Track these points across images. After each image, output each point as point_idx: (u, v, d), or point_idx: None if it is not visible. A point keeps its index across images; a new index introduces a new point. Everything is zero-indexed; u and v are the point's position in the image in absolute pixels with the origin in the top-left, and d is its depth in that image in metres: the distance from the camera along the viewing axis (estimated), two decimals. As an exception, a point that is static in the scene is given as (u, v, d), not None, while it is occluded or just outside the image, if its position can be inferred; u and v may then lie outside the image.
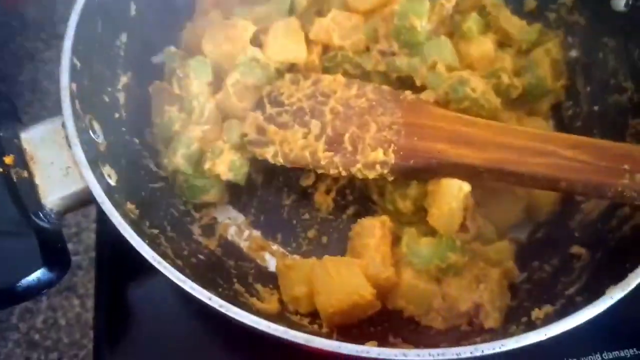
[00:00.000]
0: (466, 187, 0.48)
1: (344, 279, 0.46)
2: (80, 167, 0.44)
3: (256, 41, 0.59)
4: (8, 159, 0.45)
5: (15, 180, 0.45)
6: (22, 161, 0.46)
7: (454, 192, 0.48)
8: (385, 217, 0.51)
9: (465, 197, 0.48)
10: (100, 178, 0.45)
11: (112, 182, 0.47)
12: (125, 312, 0.57)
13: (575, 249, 0.51)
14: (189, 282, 0.39)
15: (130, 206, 0.48)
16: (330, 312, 0.45)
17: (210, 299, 0.38)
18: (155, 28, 0.61)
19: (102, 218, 0.60)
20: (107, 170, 0.47)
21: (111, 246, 0.59)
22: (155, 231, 0.49)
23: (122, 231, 0.42)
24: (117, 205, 0.44)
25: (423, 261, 0.48)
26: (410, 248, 0.49)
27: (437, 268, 0.48)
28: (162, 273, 0.41)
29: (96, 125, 0.50)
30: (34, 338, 0.66)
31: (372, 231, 0.50)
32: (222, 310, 0.38)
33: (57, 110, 0.80)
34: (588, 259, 0.49)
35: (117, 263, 0.58)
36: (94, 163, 0.45)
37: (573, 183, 0.45)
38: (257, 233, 0.57)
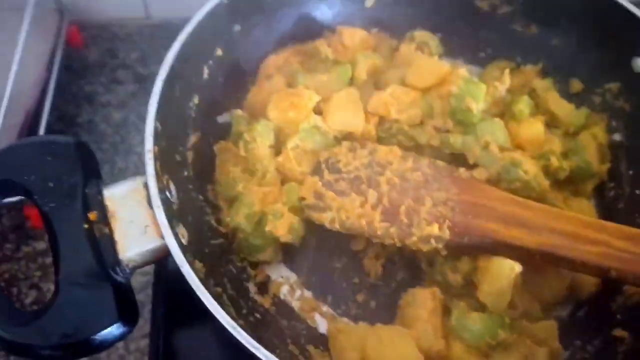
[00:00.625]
0: (517, 267, 0.50)
1: (398, 349, 0.48)
2: (161, 228, 0.47)
3: (316, 108, 0.62)
4: (92, 216, 0.48)
5: (97, 236, 0.48)
6: (104, 218, 0.49)
7: (505, 271, 0.50)
8: (436, 289, 0.53)
9: (516, 277, 0.50)
10: (176, 238, 0.48)
11: (185, 242, 0.50)
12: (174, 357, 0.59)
13: (618, 332, 0.52)
14: (262, 349, 0.41)
15: (198, 265, 0.50)
16: None
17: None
18: (222, 90, 0.65)
19: (159, 274, 0.64)
20: (180, 230, 0.50)
21: (165, 297, 0.62)
22: (219, 289, 0.51)
23: (199, 293, 0.44)
24: (191, 265, 0.47)
25: (473, 336, 0.50)
26: (460, 322, 0.51)
27: (486, 344, 0.49)
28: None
29: (172, 186, 0.53)
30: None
31: (424, 302, 0.52)
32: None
33: (112, 153, 0.85)
34: (631, 343, 0.51)
35: (170, 313, 0.61)
36: (171, 223, 0.48)
37: (624, 273, 0.47)
38: (308, 294, 0.59)
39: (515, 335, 0.50)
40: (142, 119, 0.89)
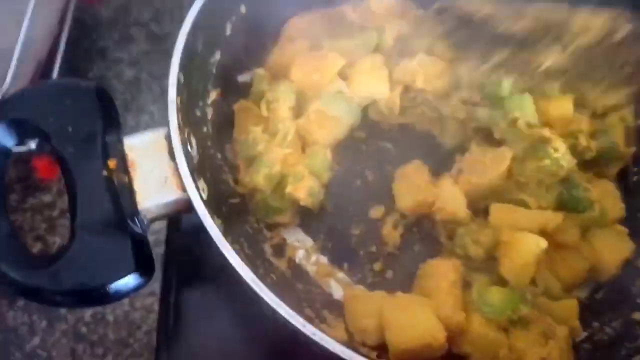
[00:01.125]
0: (543, 243, 0.49)
1: (418, 318, 0.48)
2: (183, 179, 0.46)
3: (341, 74, 0.61)
4: (112, 163, 0.47)
5: (116, 184, 0.47)
6: (124, 166, 0.47)
7: (530, 247, 0.49)
8: (457, 261, 0.52)
9: (541, 252, 0.50)
10: (197, 190, 0.46)
11: (204, 196, 0.49)
12: (183, 317, 0.59)
13: (637, 315, 0.52)
14: (284, 306, 0.40)
15: (217, 221, 0.49)
16: (402, 349, 0.47)
17: (304, 326, 0.40)
18: (244, 48, 0.63)
19: (172, 230, 0.63)
20: (201, 184, 0.49)
21: (177, 256, 0.60)
22: (237, 247, 0.50)
23: (220, 248, 0.43)
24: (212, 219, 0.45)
25: (494, 310, 0.49)
26: (482, 296, 0.50)
27: (507, 319, 0.49)
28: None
29: (192, 140, 0.52)
30: (81, 331, 0.67)
31: (445, 273, 0.51)
32: (315, 338, 0.39)
33: (123, 110, 0.83)
34: (652, 328, 0.50)
35: (181, 271, 0.60)
36: (192, 176, 0.47)
37: None
38: (324, 259, 0.58)
39: (536, 312, 0.49)
40: (155, 77, 0.88)
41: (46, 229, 0.72)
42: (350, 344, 0.50)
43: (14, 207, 0.74)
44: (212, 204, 0.50)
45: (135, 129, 0.80)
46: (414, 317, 0.47)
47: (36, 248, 0.71)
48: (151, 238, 0.70)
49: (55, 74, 0.78)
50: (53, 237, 0.72)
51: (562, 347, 0.48)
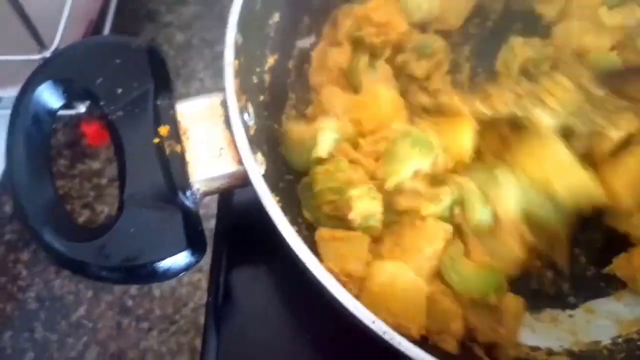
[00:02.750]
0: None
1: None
2: (240, 151, 0.41)
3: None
4: (163, 130, 0.43)
5: (167, 153, 0.43)
6: (176, 134, 0.44)
7: None
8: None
9: None
10: (255, 164, 0.42)
11: (262, 170, 0.45)
12: (232, 296, 0.55)
13: None
14: (354, 301, 0.36)
15: (275, 198, 0.45)
16: None
17: (374, 322, 0.35)
18: (304, 12, 0.58)
19: (224, 203, 0.59)
20: (259, 157, 0.45)
21: (228, 232, 0.57)
22: (295, 228, 0.46)
23: (279, 228, 0.39)
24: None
25: (464, 283, 0.44)
26: (455, 263, 0.44)
27: (470, 298, 0.44)
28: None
29: (250, 107, 0.47)
30: (127, 304, 0.66)
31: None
32: (385, 337, 0.35)
33: (173, 76, 0.80)
34: None
35: (232, 249, 0.56)
36: (250, 147, 0.43)
37: None
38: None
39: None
40: (206, 43, 0.84)
41: (94, 197, 0.71)
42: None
43: (62, 172, 0.72)
44: (270, 180, 0.46)
45: (185, 96, 0.77)
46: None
47: (84, 216, 0.69)
48: (201, 212, 0.68)
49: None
50: (101, 205, 0.70)
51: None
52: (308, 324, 0.53)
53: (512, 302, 0.45)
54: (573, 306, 0.49)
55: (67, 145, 0.74)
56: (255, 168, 0.41)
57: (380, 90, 0.51)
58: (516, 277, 0.47)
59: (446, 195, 0.45)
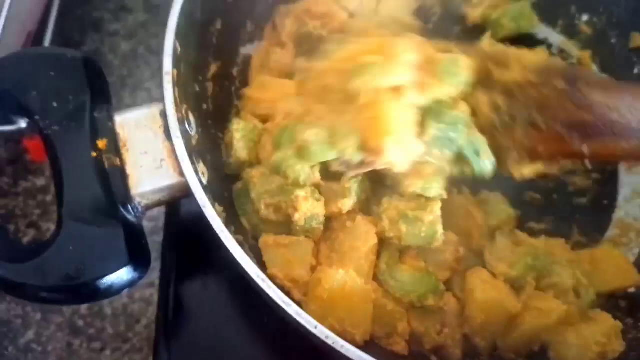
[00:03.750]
0: None
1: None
2: (180, 162, 0.41)
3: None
4: (101, 143, 0.42)
5: (106, 166, 0.42)
6: (115, 147, 0.43)
7: None
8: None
9: None
10: (197, 175, 0.42)
11: (205, 181, 0.44)
12: (184, 308, 0.54)
13: None
14: (294, 306, 0.36)
15: (218, 208, 0.44)
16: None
17: (316, 328, 0.35)
18: (247, 17, 0.58)
19: (171, 216, 0.58)
20: (200, 167, 0.44)
21: (177, 244, 0.56)
22: (240, 238, 0.46)
23: (222, 239, 0.39)
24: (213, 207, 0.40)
25: (401, 288, 0.44)
26: (390, 268, 0.45)
27: (409, 301, 0.45)
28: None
29: (191, 117, 0.46)
30: (78, 324, 0.63)
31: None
32: (328, 341, 0.35)
33: (119, 87, 0.78)
34: None
35: (181, 261, 0.55)
36: (191, 158, 0.42)
37: None
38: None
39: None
40: (152, 52, 0.82)
41: (39, 214, 0.68)
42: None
43: (5, 190, 0.69)
44: (213, 190, 0.45)
45: (132, 106, 0.76)
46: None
47: (29, 235, 0.67)
48: (148, 225, 0.66)
49: (46, 45, 0.73)
50: (47, 223, 0.68)
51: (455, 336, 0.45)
52: (260, 332, 0.53)
53: (453, 301, 0.46)
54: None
55: (9, 162, 0.71)
56: (196, 179, 0.40)
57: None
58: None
59: (352, 183, 0.45)
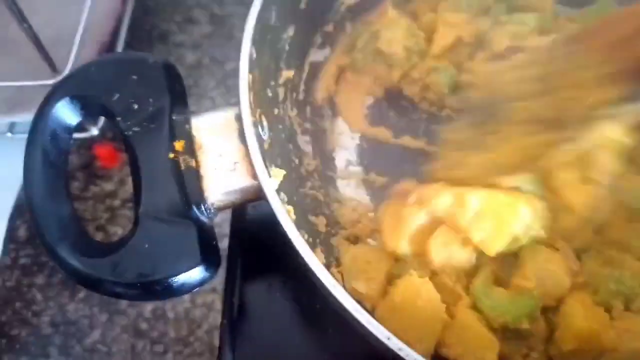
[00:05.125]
0: None
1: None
2: (254, 165, 0.41)
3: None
4: (179, 145, 0.43)
5: (182, 168, 0.42)
6: (191, 149, 0.43)
7: None
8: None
9: None
10: (269, 177, 0.41)
11: (277, 184, 0.44)
12: (247, 314, 0.54)
13: None
14: (366, 315, 0.35)
15: (289, 209, 0.44)
16: None
17: (389, 339, 0.34)
18: (318, 25, 0.58)
19: (237, 221, 0.58)
20: (273, 171, 0.44)
21: (242, 250, 0.56)
22: (311, 240, 0.45)
23: (295, 243, 0.38)
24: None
25: (496, 307, 0.42)
26: (485, 289, 0.43)
27: (502, 323, 0.42)
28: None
29: (264, 122, 0.47)
30: (141, 327, 0.65)
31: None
32: (401, 354, 0.33)
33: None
34: None
35: (245, 267, 0.55)
36: (264, 161, 0.42)
37: None
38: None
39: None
40: (216, 62, 0.85)
41: (107, 219, 0.70)
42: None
43: (75, 195, 0.72)
44: (285, 192, 0.45)
45: (209, 110, 0.78)
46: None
47: (97, 238, 0.68)
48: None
49: (118, 58, 0.76)
50: (114, 227, 0.70)
51: None
52: (326, 340, 0.52)
53: (542, 324, 0.43)
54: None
55: (80, 167, 0.74)
56: (270, 182, 0.40)
57: None
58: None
59: None
